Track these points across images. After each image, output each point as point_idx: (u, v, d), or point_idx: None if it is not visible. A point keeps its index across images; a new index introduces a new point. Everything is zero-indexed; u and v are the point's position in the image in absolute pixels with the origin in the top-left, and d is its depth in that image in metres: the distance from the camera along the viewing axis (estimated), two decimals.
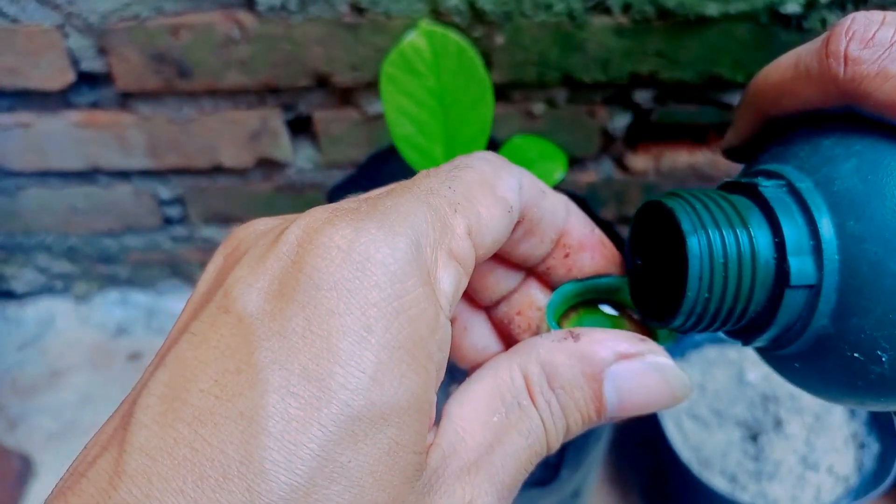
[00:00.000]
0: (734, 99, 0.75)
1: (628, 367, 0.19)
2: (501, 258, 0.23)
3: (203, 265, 0.87)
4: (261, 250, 0.17)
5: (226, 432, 0.15)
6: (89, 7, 0.65)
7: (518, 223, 0.21)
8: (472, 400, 0.19)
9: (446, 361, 0.18)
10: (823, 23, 0.68)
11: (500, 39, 0.68)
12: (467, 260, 0.18)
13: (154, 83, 0.71)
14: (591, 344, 0.19)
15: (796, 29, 0.68)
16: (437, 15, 0.66)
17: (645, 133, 0.80)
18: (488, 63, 0.70)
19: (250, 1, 0.66)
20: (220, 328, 0.16)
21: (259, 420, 0.15)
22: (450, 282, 0.18)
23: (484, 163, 0.20)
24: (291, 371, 0.15)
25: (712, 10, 0.66)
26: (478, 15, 0.66)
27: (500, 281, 0.23)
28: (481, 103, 0.46)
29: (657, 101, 0.75)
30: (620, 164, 0.82)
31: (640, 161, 0.82)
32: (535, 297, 0.24)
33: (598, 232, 0.23)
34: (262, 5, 0.65)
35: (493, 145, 0.59)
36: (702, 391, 0.80)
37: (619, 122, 0.77)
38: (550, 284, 0.24)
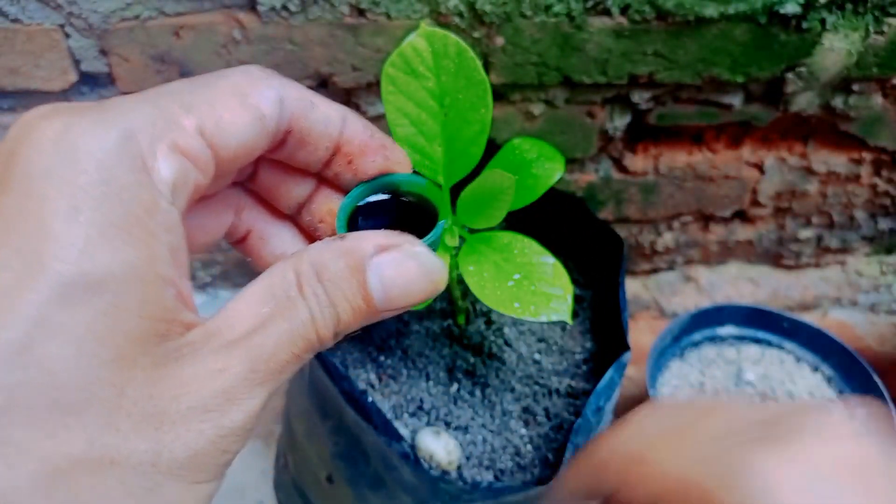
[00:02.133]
0: (733, 100, 0.75)
1: (388, 257, 0.21)
2: (286, 167, 0.25)
3: (204, 266, 0.87)
4: None
5: None
6: (90, 7, 0.66)
7: (288, 133, 0.23)
8: (247, 295, 0.21)
9: (183, 242, 0.20)
10: (822, 23, 0.68)
11: (499, 40, 0.68)
12: (199, 155, 0.20)
13: (155, 84, 0.72)
14: (354, 240, 0.21)
15: (795, 29, 0.68)
16: (438, 16, 0.67)
17: (643, 134, 0.80)
18: (488, 64, 0.70)
19: (252, 2, 0.66)
20: None
21: None
22: (170, 171, 0.19)
23: (242, 74, 0.22)
24: (7, 248, 0.17)
25: (711, 10, 0.66)
26: (477, 16, 0.66)
27: (292, 188, 0.25)
28: (481, 104, 0.46)
29: (656, 102, 0.75)
30: (619, 165, 0.82)
31: (638, 161, 0.82)
32: (334, 204, 0.26)
33: (378, 136, 0.25)
34: (264, 6, 0.66)
35: (493, 146, 0.60)
36: (700, 390, 0.80)
37: (618, 122, 0.77)
38: (345, 190, 0.26)
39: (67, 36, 0.68)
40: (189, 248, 0.23)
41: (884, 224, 0.91)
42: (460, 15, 0.66)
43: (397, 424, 0.56)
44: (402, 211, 0.26)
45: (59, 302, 0.17)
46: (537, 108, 0.75)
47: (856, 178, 0.86)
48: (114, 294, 0.17)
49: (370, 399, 0.51)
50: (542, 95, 0.74)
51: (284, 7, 0.66)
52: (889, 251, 0.95)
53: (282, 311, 0.20)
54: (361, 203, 0.25)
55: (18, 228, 0.17)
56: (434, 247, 0.24)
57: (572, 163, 0.81)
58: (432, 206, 0.26)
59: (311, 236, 0.26)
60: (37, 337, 0.17)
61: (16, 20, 0.66)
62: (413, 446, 0.53)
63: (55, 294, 0.17)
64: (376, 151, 0.25)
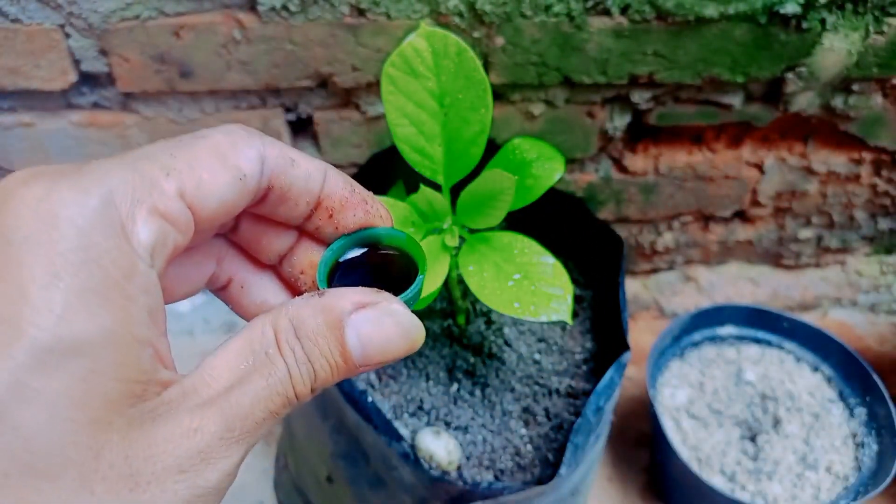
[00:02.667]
0: (733, 100, 0.75)
1: (365, 315, 0.22)
2: (268, 220, 0.25)
3: None
4: None
5: None
6: (90, 7, 0.66)
7: (269, 190, 0.23)
8: (225, 352, 0.21)
9: (161, 302, 0.20)
10: (822, 23, 0.68)
11: (499, 40, 0.68)
12: (178, 217, 0.20)
13: (155, 84, 0.72)
14: (332, 297, 0.22)
15: (795, 29, 0.68)
16: (438, 16, 0.67)
17: (644, 134, 0.80)
18: (488, 64, 0.70)
19: (252, 2, 0.66)
20: None
21: None
22: (149, 234, 0.19)
23: (222, 134, 0.22)
24: None
25: (711, 10, 0.66)
26: (477, 16, 0.66)
27: (273, 241, 0.26)
28: (481, 104, 0.46)
29: (656, 102, 0.75)
30: (619, 165, 0.82)
31: (638, 161, 0.82)
32: (315, 256, 0.26)
33: (359, 191, 0.25)
34: (264, 6, 0.66)
35: (493, 146, 0.60)
36: (700, 390, 0.80)
37: (618, 122, 0.77)
38: (326, 242, 0.26)
39: (67, 36, 0.68)
40: (171, 297, 0.24)
41: (884, 224, 0.91)
42: (460, 15, 0.66)
43: (397, 424, 0.56)
44: (383, 264, 0.26)
45: (35, 368, 0.17)
46: (537, 108, 0.75)
47: (856, 178, 0.86)
48: (90, 359, 0.18)
49: (370, 399, 0.51)
50: (542, 95, 0.74)
51: (284, 7, 0.66)
52: (889, 251, 0.95)
53: (259, 368, 0.21)
54: (342, 258, 0.26)
55: None
56: (412, 302, 0.25)
57: (572, 163, 0.81)
58: (412, 260, 0.26)
59: (292, 286, 0.27)
60: (11, 403, 0.17)
61: (16, 20, 0.66)
62: (413, 446, 0.53)
63: (31, 360, 0.17)
64: (357, 206, 0.25)
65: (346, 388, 0.51)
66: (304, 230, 0.26)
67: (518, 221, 0.63)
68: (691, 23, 0.67)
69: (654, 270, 0.96)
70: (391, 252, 0.26)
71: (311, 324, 0.21)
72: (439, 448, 0.53)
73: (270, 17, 0.66)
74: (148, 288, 0.19)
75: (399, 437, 0.50)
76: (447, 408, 0.57)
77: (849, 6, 0.67)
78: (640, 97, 0.74)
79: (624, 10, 0.66)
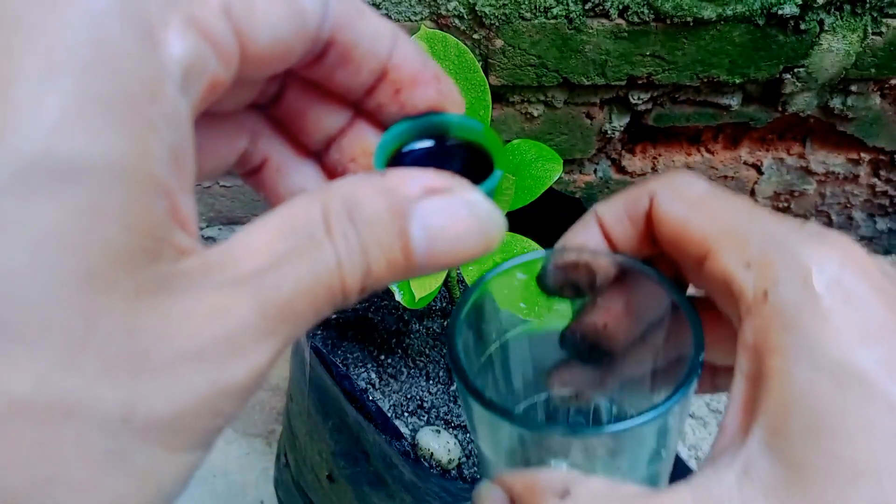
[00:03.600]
0: (731, 100, 0.76)
1: (436, 203, 0.17)
2: (320, 91, 0.20)
3: None
4: None
5: None
6: None
7: (330, 45, 0.18)
8: (260, 228, 0.16)
9: (189, 145, 0.15)
10: (821, 24, 0.68)
11: (499, 42, 0.69)
12: (221, 40, 0.16)
13: None
14: (397, 178, 0.17)
15: (793, 30, 0.69)
16: (438, 18, 0.67)
17: (642, 134, 0.81)
18: (487, 65, 0.71)
19: None
20: None
21: None
22: (183, 50, 0.15)
23: None
24: None
25: (709, 12, 0.67)
26: (477, 18, 0.67)
27: (323, 117, 0.21)
28: (480, 105, 0.46)
29: (654, 103, 0.76)
30: (617, 165, 0.83)
31: (636, 162, 0.82)
32: (370, 143, 0.21)
33: (432, 65, 0.21)
34: None
35: None
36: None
37: (617, 123, 0.78)
38: (384, 126, 0.21)
39: None
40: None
41: (882, 224, 0.92)
42: (460, 17, 0.67)
43: (397, 423, 0.56)
44: (451, 159, 0.21)
45: (16, 189, 0.13)
46: (536, 110, 0.75)
47: (854, 179, 0.86)
48: (90, 189, 0.13)
49: (371, 398, 0.51)
50: (541, 97, 0.74)
51: None
52: (888, 251, 0.95)
53: (302, 252, 0.16)
54: (406, 148, 0.21)
55: None
56: (489, 198, 0.20)
57: (571, 163, 0.82)
58: (488, 157, 0.21)
59: (338, 177, 0.22)
60: None
61: None
62: (413, 445, 0.54)
63: (11, 178, 0.13)
64: (428, 83, 0.20)
65: (347, 387, 0.52)
66: (360, 108, 0.21)
67: (517, 222, 0.64)
68: (689, 24, 0.68)
69: None
70: (461, 145, 0.21)
71: (370, 207, 0.17)
72: (439, 446, 0.53)
73: None
74: (175, 119, 0.15)
75: (399, 436, 0.51)
76: (447, 406, 0.58)
77: (847, 7, 0.68)
78: (638, 98, 0.75)
79: (622, 12, 0.67)
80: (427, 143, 0.21)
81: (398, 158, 0.21)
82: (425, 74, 0.20)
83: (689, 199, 0.21)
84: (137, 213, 0.14)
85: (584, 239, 0.23)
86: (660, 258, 0.22)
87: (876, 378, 0.16)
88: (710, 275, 0.20)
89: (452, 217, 0.17)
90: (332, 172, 0.22)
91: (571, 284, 0.23)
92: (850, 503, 0.16)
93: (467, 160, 0.21)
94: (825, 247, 0.18)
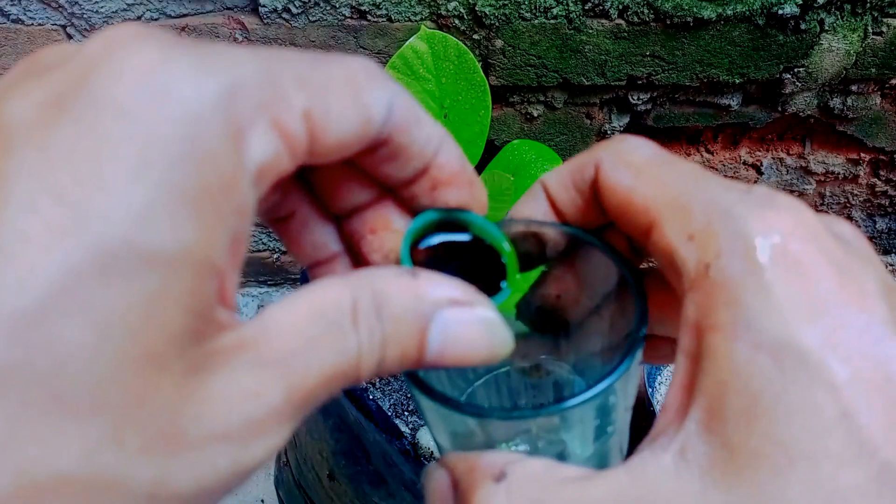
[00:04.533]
0: (731, 101, 0.76)
1: (458, 314, 0.19)
2: (359, 171, 0.22)
3: None
4: (55, 62, 0.15)
5: None
6: (92, 8, 0.66)
7: (384, 143, 0.20)
8: (293, 309, 0.17)
9: (248, 232, 0.17)
10: (821, 24, 0.68)
11: (499, 42, 0.69)
12: (296, 141, 0.17)
13: None
14: (427, 283, 0.19)
15: (793, 31, 0.69)
16: (438, 18, 0.67)
17: (641, 135, 0.81)
18: (487, 66, 0.71)
19: (254, 4, 0.67)
20: None
21: None
22: (263, 149, 0.16)
23: (360, 66, 0.19)
24: (43, 188, 0.13)
25: (709, 12, 0.67)
26: (477, 18, 0.67)
27: (356, 193, 0.22)
28: (480, 106, 0.46)
29: (654, 104, 0.76)
30: None
31: None
32: (391, 219, 0.22)
33: (469, 169, 0.22)
34: (266, 8, 0.66)
35: (492, 147, 0.60)
36: None
37: (617, 123, 0.78)
38: (410, 211, 0.23)
39: (70, 37, 0.68)
40: None
41: (882, 224, 0.92)
42: (460, 17, 0.67)
43: (398, 422, 0.56)
44: (465, 255, 0.23)
45: (93, 274, 0.13)
46: (536, 110, 0.75)
47: (854, 179, 0.86)
48: (161, 278, 0.14)
49: (371, 397, 0.52)
50: (541, 97, 0.74)
51: (286, 9, 0.66)
52: (887, 251, 0.95)
53: (330, 339, 0.17)
54: (431, 242, 0.23)
55: (66, 166, 0.14)
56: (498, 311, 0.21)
57: None
58: (498, 261, 0.23)
59: (353, 243, 0.23)
60: (52, 310, 0.13)
61: (17, 20, 0.67)
62: (413, 443, 0.54)
63: (89, 262, 0.13)
64: (463, 186, 0.22)
65: (347, 386, 0.52)
66: (394, 192, 0.22)
67: None
68: (689, 24, 0.68)
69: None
70: (476, 244, 0.23)
71: (398, 306, 0.18)
72: None
73: (272, 19, 0.67)
74: (242, 210, 0.16)
75: (400, 435, 0.51)
76: None
77: (847, 7, 0.68)
78: (638, 98, 0.75)
79: (622, 13, 0.67)
80: (449, 237, 0.23)
81: (420, 242, 0.23)
82: (462, 178, 0.22)
83: (634, 165, 0.21)
84: (195, 296, 0.15)
85: (531, 210, 0.23)
86: (614, 228, 0.22)
87: (818, 356, 0.16)
88: (655, 247, 0.19)
89: (468, 328, 0.19)
90: (349, 237, 0.23)
91: (524, 255, 0.23)
92: (786, 488, 0.15)
93: (480, 256, 0.23)
94: (771, 213, 0.18)
